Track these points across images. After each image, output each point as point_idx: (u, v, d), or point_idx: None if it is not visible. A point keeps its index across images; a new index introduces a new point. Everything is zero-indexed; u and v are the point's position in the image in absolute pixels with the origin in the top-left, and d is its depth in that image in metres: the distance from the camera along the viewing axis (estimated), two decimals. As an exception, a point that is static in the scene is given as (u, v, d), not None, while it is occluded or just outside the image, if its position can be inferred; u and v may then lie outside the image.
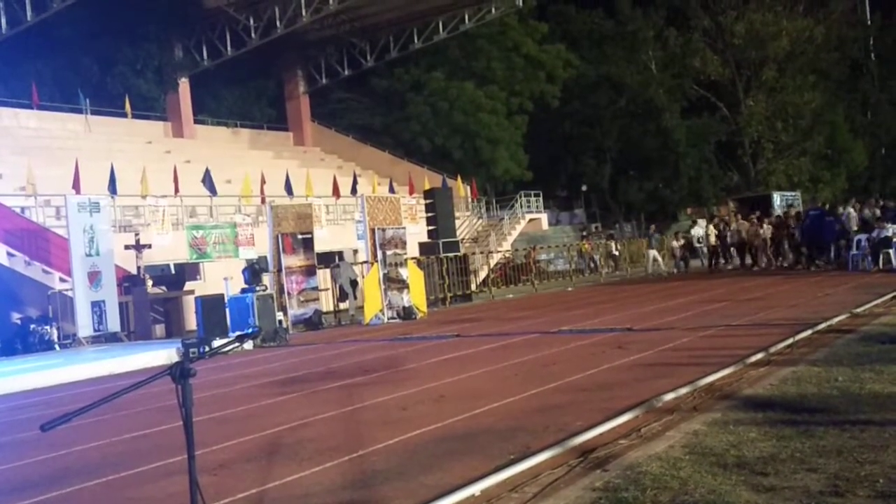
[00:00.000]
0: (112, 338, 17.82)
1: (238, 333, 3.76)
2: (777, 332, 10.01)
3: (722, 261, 27.83)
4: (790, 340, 9.36)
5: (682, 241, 29.64)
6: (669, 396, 6.83)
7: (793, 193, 40.41)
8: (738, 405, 6.39)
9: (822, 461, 4.68)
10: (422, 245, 24.43)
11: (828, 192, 50.25)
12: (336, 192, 29.69)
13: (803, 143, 49.71)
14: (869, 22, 57.77)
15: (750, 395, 6.73)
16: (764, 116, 48.96)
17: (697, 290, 19.05)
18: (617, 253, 34.63)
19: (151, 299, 19.63)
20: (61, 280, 18.97)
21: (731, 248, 27.60)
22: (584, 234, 39.03)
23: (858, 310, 11.88)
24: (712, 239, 27.71)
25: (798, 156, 49.73)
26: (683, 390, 7.03)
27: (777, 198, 36.34)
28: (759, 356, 8.51)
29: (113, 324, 17.81)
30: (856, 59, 56.25)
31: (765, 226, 25.99)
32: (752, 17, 48.39)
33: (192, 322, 19.20)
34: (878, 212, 24.12)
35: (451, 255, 23.83)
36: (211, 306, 15.82)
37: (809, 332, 9.98)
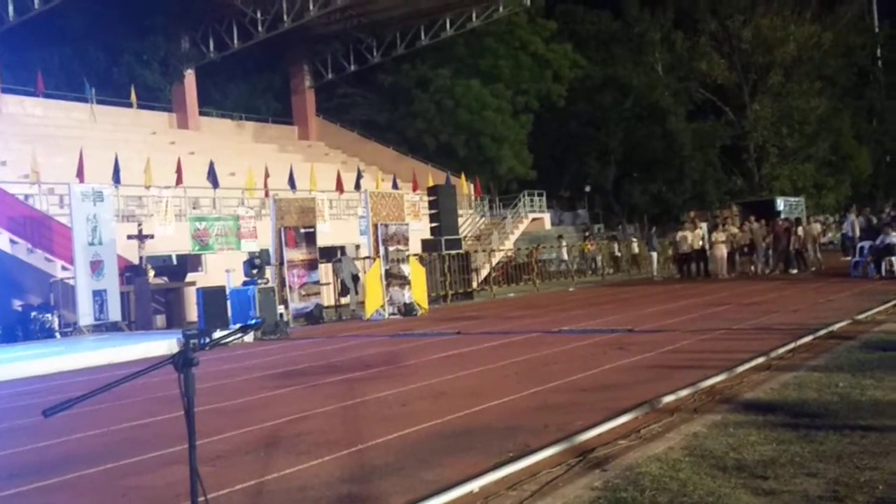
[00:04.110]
0: (113, 327, 17.84)
1: (240, 325, 3.75)
2: (778, 337, 9.98)
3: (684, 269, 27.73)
4: (791, 345, 9.34)
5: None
6: (670, 398, 6.82)
7: (796, 199, 40.41)
8: (739, 408, 6.38)
9: (822, 466, 4.67)
10: (424, 242, 24.39)
11: (831, 198, 50.25)
12: (340, 186, 29.67)
13: (808, 149, 49.71)
14: (877, 29, 57.74)
15: (751, 399, 6.71)
16: (769, 121, 48.95)
17: (699, 293, 19.03)
18: (619, 254, 34.60)
19: (153, 289, 19.63)
20: (63, 268, 18.99)
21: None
22: (587, 234, 39.01)
23: (860, 316, 11.84)
24: (696, 244, 27.12)
25: (802, 161, 49.73)
26: (684, 392, 7.02)
27: (780, 203, 36.32)
28: (761, 360, 8.49)
29: (114, 313, 17.83)
30: (863, 67, 56.28)
31: (712, 233, 25.66)
32: (760, 21, 48.42)
33: (193, 313, 19.21)
34: (884, 216, 23.94)
35: (453, 252, 23.78)
36: (212, 298, 15.85)
37: (811, 337, 9.95)
